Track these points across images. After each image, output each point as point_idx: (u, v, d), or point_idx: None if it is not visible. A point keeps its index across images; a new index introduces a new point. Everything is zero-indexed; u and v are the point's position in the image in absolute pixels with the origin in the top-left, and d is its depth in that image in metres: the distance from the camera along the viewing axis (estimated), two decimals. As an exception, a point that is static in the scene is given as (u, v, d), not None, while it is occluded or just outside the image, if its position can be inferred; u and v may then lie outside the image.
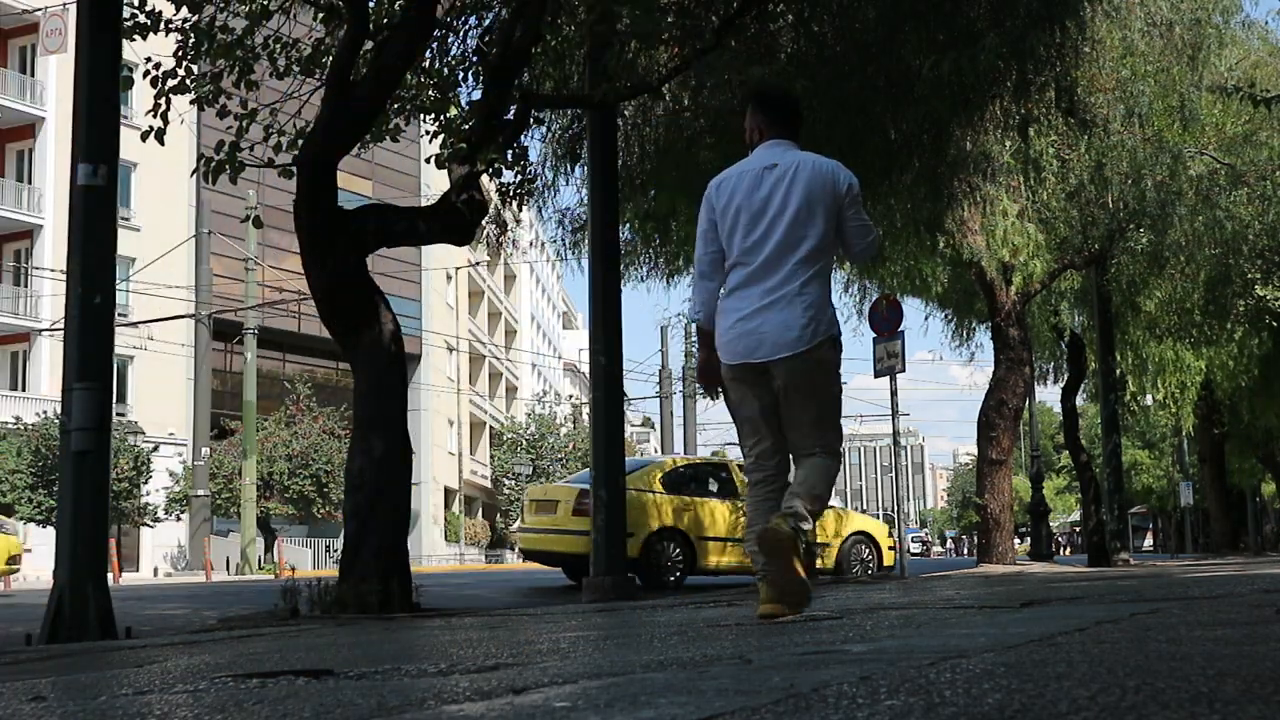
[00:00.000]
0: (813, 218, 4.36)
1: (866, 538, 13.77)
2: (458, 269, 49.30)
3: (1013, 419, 15.52)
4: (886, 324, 13.05)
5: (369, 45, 7.78)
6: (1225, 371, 21.37)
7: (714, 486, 13.12)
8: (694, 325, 4.59)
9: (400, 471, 7.27)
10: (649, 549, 11.83)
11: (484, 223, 10.00)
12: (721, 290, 4.50)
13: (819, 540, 12.64)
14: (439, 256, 46.00)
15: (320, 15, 8.57)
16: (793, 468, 4.47)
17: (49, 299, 32.79)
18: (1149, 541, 57.86)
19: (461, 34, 9.27)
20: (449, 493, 52.95)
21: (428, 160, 9.32)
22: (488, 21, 9.25)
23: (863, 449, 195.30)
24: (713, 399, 4.29)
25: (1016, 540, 18.98)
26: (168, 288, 31.82)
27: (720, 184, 4.57)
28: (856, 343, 23.57)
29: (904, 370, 12.73)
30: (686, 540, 12.31)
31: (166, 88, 7.78)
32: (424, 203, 9.96)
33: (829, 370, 4.39)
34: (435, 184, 32.24)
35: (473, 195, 8.05)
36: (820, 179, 4.39)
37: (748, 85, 9.56)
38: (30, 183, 37.33)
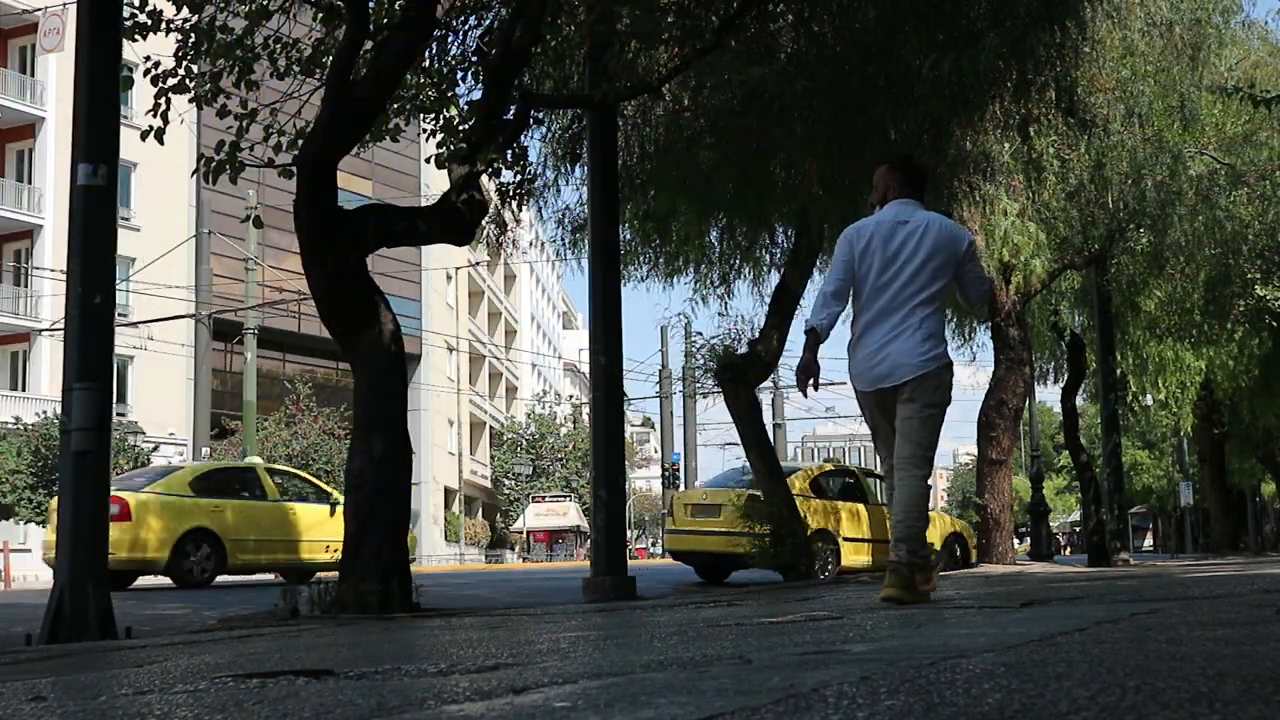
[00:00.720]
0: (935, 268, 5.22)
1: (959, 537, 15.88)
2: (458, 269, 49.30)
3: (1013, 419, 15.52)
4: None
5: (369, 45, 7.78)
6: (1225, 371, 21.36)
7: (848, 490, 14.78)
8: (808, 330, 5.32)
9: (400, 471, 7.26)
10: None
11: (484, 223, 9.99)
12: (850, 322, 5.43)
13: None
14: (439, 256, 46.00)
15: (320, 15, 8.57)
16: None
17: (49, 299, 32.79)
18: (1149, 541, 57.87)
19: (461, 34, 9.27)
20: (449, 493, 52.96)
21: (428, 160, 9.32)
22: (488, 21, 9.25)
23: (863, 449, 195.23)
24: (804, 395, 5.39)
25: (1016, 540, 18.98)
26: (168, 288, 31.81)
27: (859, 230, 5.41)
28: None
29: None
30: (835, 540, 13.67)
31: (166, 87, 7.78)
32: (424, 203, 9.95)
33: (944, 390, 5.24)
34: (435, 184, 32.23)
35: (473, 195, 8.05)
36: (945, 237, 5.27)
37: (746, 85, 9.58)
38: (30, 183, 37.33)
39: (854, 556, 13.78)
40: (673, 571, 16.38)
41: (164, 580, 14.03)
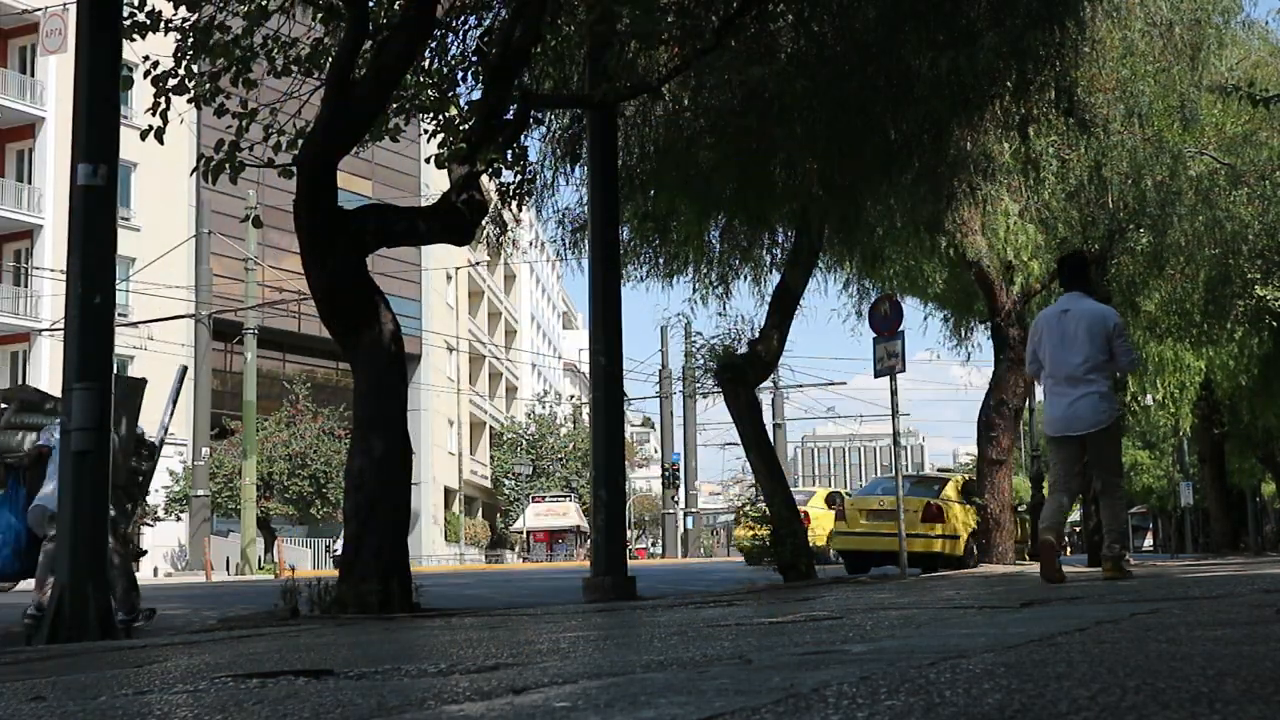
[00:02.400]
0: (1094, 344, 7.11)
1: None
2: (458, 269, 49.30)
3: (1013, 419, 15.51)
4: (887, 324, 13.04)
5: (369, 45, 7.77)
6: (1225, 371, 21.35)
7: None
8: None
9: (400, 471, 7.26)
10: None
11: (484, 223, 9.99)
12: (1049, 383, 7.41)
13: (957, 534, 15.46)
14: (439, 256, 45.99)
15: (320, 15, 8.56)
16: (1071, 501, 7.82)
17: (49, 299, 32.78)
18: (1149, 541, 57.82)
19: (461, 34, 9.26)
20: (449, 493, 52.95)
21: (428, 160, 9.31)
22: (488, 21, 9.24)
23: (863, 449, 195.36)
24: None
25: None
26: (168, 288, 31.81)
27: (1041, 321, 7.55)
28: (856, 343, 23.59)
29: (904, 370, 12.72)
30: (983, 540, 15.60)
31: (166, 87, 7.77)
32: (424, 203, 9.95)
33: (1118, 435, 7.51)
34: (435, 184, 32.25)
35: (473, 195, 8.05)
36: (1097, 321, 7.19)
37: (746, 85, 9.57)
38: (30, 183, 37.32)
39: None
40: (674, 572, 16.35)
41: (165, 580, 14.02)
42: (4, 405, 7.57)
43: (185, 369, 9.80)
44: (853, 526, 16.22)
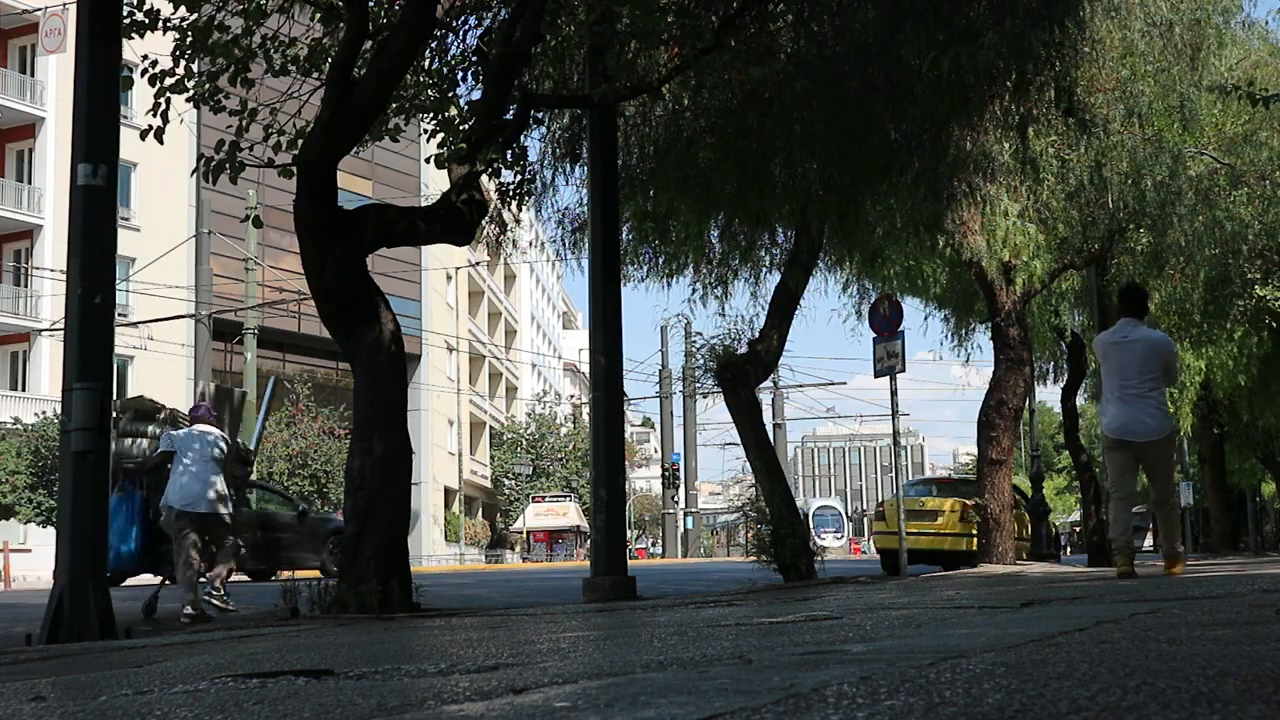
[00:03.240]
0: (1151, 365, 8.15)
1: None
2: (458, 269, 49.29)
3: (1013, 419, 15.48)
4: (887, 324, 13.04)
5: (369, 45, 7.77)
6: (1225, 371, 21.33)
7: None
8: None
9: (400, 471, 7.27)
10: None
11: (484, 223, 9.99)
12: (1112, 395, 8.33)
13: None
14: (439, 256, 45.99)
15: (319, 15, 8.56)
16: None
17: (49, 299, 32.78)
18: (1149, 542, 57.79)
19: (461, 34, 9.26)
20: (449, 493, 52.94)
21: (428, 160, 9.31)
22: (488, 21, 9.24)
23: (863, 449, 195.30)
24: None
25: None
26: (168, 288, 31.80)
27: (1104, 344, 8.51)
28: (856, 343, 23.63)
29: (904, 370, 12.72)
30: None
31: (165, 86, 7.77)
32: (424, 203, 9.95)
33: (1174, 446, 7.90)
34: (435, 184, 32.23)
35: (473, 195, 8.05)
36: (1154, 346, 8.27)
37: (746, 85, 9.57)
38: (30, 183, 37.32)
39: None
40: (674, 572, 16.38)
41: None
42: (118, 415, 8.22)
43: (276, 379, 10.55)
44: (891, 526, 16.72)
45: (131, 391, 37.31)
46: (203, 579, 8.35)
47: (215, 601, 8.38)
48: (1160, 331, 9.21)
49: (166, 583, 8.89)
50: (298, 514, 19.06)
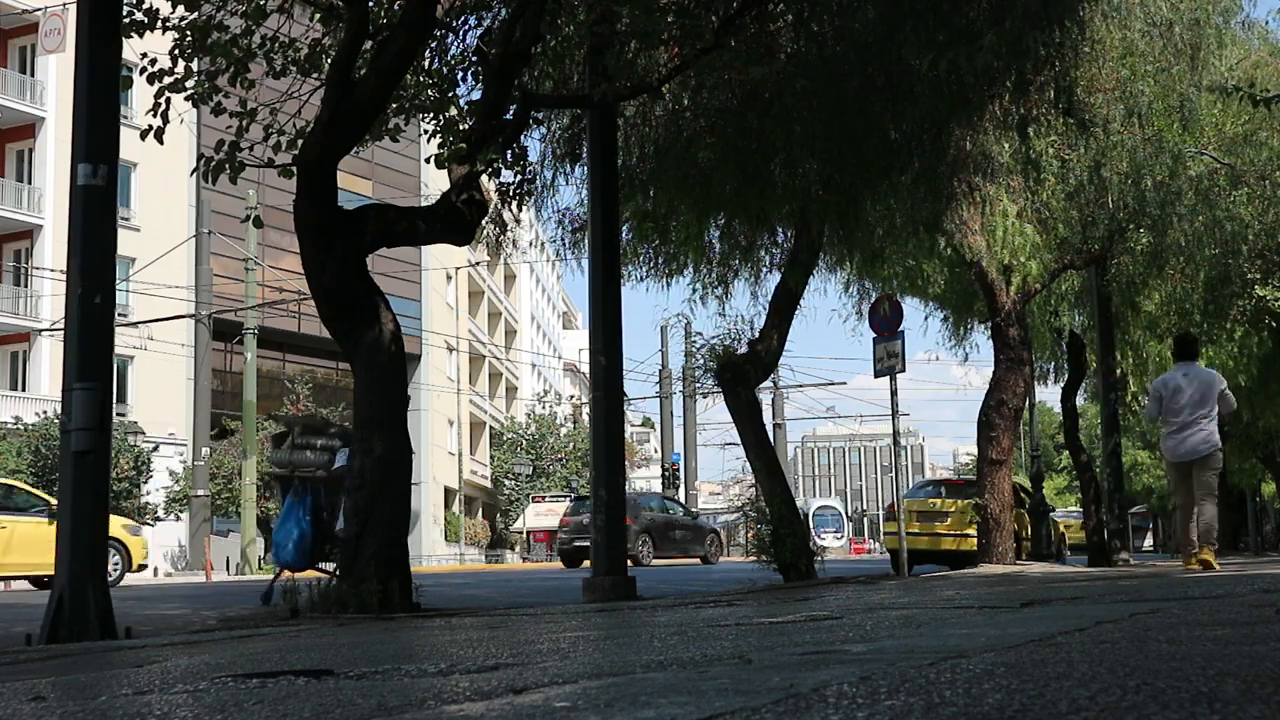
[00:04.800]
0: (1206, 399, 10.08)
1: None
2: (458, 269, 49.30)
3: (1013, 419, 15.47)
4: (887, 324, 13.04)
5: (369, 45, 7.77)
6: (1225, 371, 21.31)
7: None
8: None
9: (400, 471, 7.27)
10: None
11: (484, 223, 9.99)
12: (1171, 425, 10.30)
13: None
14: (439, 256, 46.00)
15: (319, 15, 8.56)
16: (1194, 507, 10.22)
17: (49, 299, 32.79)
18: (1149, 541, 57.77)
19: (461, 34, 9.26)
20: (449, 493, 52.95)
21: (428, 160, 9.31)
22: (488, 21, 9.24)
23: (863, 449, 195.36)
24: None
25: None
26: (168, 288, 31.81)
27: (1163, 381, 10.56)
28: (856, 343, 23.66)
29: (904, 370, 12.71)
30: None
31: (165, 85, 7.77)
32: (424, 203, 9.95)
33: (1218, 463, 10.29)
34: (435, 184, 32.26)
35: (473, 195, 8.05)
36: (1207, 383, 10.23)
37: (746, 85, 9.57)
38: (30, 183, 37.33)
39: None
40: (674, 572, 16.39)
41: (165, 580, 14.04)
42: (289, 430, 8.71)
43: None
44: (904, 528, 17.19)
45: (131, 391, 37.36)
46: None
47: None
48: (1212, 370, 11.60)
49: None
50: None
